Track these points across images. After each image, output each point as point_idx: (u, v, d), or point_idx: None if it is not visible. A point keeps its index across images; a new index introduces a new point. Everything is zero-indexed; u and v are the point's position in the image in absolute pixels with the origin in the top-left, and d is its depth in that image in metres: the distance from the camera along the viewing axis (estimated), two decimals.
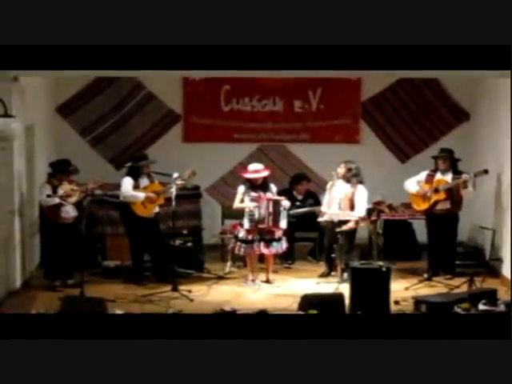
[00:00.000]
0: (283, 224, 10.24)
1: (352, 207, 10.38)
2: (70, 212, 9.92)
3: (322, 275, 10.72)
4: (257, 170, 10.29)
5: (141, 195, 10.25)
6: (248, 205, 10.19)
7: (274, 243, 10.24)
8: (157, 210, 10.42)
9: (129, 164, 10.50)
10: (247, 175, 10.29)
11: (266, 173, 10.31)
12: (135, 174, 10.37)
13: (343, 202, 10.43)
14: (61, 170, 9.96)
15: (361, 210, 10.37)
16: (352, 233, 10.48)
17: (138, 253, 10.47)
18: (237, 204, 10.35)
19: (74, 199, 9.85)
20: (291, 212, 11.02)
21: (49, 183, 9.93)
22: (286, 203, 10.28)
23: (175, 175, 10.04)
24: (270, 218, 10.13)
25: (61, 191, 9.79)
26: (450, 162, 10.53)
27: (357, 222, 10.37)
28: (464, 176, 10.25)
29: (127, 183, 10.32)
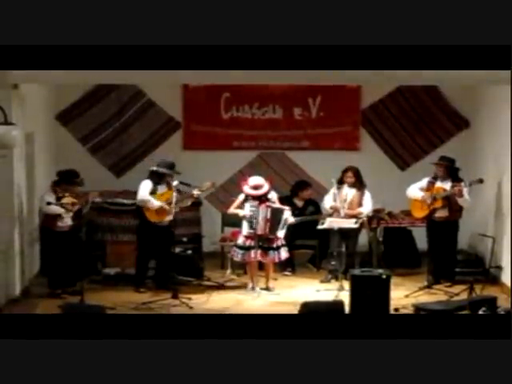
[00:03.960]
0: (281, 233, 10.24)
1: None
2: (66, 221, 9.91)
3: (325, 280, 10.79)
4: (257, 186, 10.27)
5: (156, 204, 10.17)
6: (241, 212, 10.22)
7: (272, 251, 10.24)
8: (170, 217, 10.19)
9: (153, 168, 10.38)
10: (247, 191, 10.28)
11: (265, 189, 10.29)
12: (156, 180, 10.30)
13: (349, 206, 10.62)
14: (68, 180, 9.93)
15: (367, 208, 10.69)
16: (356, 236, 10.69)
17: (145, 259, 10.46)
18: (232, 209, 10.38)
19: (73, 211, 9.85)
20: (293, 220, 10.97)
21: (53, 191, 9.92)
22: (289, 215, 10.27)
23: (175, 183, 10.05)
24: (267, 225, 10.13)
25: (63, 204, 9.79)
26: (447, 169, 10.54)
27: (362, 222, 10.60)
28: (460, 185, 10.27)
29: (145, 187, 10.26)
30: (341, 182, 10.73)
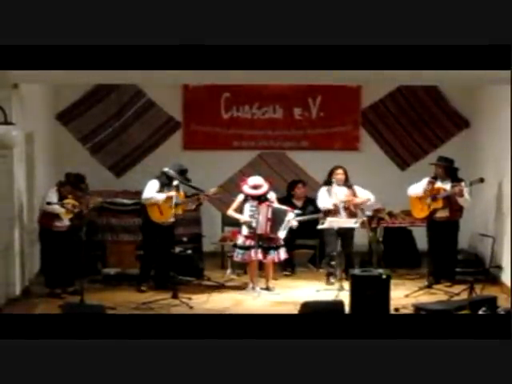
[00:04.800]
0: (282, 234, 10.24)
1: (356, 208, 10.62)
2: (64, 221, 9.91)
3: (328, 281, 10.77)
4: (256, 186, 10.28)
5: (160, 197, 10.10)
6: (241, 218, 10.23)
7: (271, 251, 10.24)
8: (173, 219, 10.17)
9: (165, 169, 10.29)
10: (247, 191, 10.29)
11: (264, 189, 10.31)
12: (164, 181, 10.25)
13: (346, 206, 10.52)
14: (74, 183, 9.93)
15: (368, 194, 10.71)
16: (352, 236, 10.68)
17: (150, 258, 10.44)
18: (232, 212, 10.38)
19: (71, 215, 9.85)
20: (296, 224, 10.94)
21: (57, 191, 9.93)
22: (292, 217, 10.27)
23: (175, 183, 10.05)
24: (268, 224, 10.13)
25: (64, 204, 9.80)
26: (445, 170, 10.54)
27: (363, 222, 10.57)
28: (460, 185, 10.27)
29: (152, 187, 10.21)
30: (329, 183, 10.69)
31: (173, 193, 10.01)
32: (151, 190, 10.19)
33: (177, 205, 9.98)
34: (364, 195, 10.71)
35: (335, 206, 10.53)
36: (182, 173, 10.33)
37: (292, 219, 10.33)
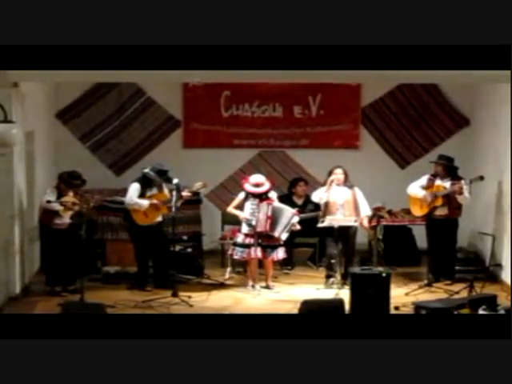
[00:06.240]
0: (283, 236, 10.24)
1: (356, 210, 10.45)
2: (64, 219, 9.91)
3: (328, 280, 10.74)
4: (258, 184, 10.28)
5: (144, 203, 10.16)
6: (241, 214, 10.23)
7: (271, 250, 10.24)
8: (160, 218, 10.29)
9: (145, 170, 10.33)
10: (249, 189, 10.29)
11: (266, 187, 10.32)
12: (145, 183, 10.27)
13: (347, 207, 10.45)
14: (67, 182, 9.93)
15: (367, 208, 10.55)
16: (354, 236, 10.59)
17: (143, 259, 10.43)
18: (232, 209, 10.39)
19: (71, 212, 9.85)
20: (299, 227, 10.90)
21: (57, 188, 9.93)
22: (296, 221, 10.26)
23: (175, 181, 10.03)
24: (268, 223, 10.13)
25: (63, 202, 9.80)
26: (445, 168, 10.55)
27: (365, 221, 10.53)
28: (460, 182, 10.28)
29: (134, 190, 10.22)
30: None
31: (165, 195, 9.98)
32: (133, 194, 10.18)
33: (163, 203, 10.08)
34: (362, 206, 10.56)
35: (330, 208, 10.47)
36: (163, 173, 10.30)
37: (296, 223, 10.33)
